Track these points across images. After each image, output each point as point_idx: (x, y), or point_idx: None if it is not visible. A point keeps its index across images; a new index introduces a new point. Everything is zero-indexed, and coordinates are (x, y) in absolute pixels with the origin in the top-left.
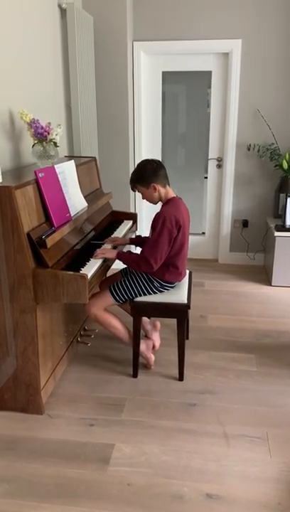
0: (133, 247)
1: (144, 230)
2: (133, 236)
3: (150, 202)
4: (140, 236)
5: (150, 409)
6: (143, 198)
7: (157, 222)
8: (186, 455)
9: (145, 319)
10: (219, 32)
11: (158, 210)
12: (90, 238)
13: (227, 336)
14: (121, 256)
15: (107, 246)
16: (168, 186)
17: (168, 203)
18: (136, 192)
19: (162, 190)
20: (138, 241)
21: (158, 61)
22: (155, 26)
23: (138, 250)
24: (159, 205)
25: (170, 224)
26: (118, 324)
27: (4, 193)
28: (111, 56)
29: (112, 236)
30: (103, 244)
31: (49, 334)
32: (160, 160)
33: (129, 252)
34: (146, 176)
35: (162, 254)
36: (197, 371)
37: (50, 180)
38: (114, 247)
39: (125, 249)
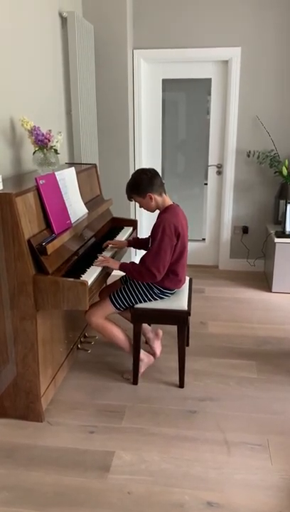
0: (133, 255)
1: (144, 236)
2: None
3: (147, 210)
4: (137, 238)
5: (150, 417)
6: (140, 207)
7: (157, 231)
8: (186, 463)
9: (147, 327)
10: (218, 40)
11: (158, 218)
12: (90, 245)
13: (228, 342)
14: (125, 268)
15: (107, 254)
16: (164, 194)
17: (165, 210)
18: (133, 201)
19: (158, 198)
20: (136, 243)
21: (158, 69)
22: (155, 34)
23: (138, 255)
24: (157, 212)
25: (170, 232)
26: (119, 333)
27: (5, 199)
28: (111, 64)
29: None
30: (103, 249)
31: (49, 341)
32: (161, 166)
33: (132, 263)
34: (142, 186)
35: (165, 263)
36: (198, 378)
37: (50, 187)
38: (114, 255)
39: (124, 256)
